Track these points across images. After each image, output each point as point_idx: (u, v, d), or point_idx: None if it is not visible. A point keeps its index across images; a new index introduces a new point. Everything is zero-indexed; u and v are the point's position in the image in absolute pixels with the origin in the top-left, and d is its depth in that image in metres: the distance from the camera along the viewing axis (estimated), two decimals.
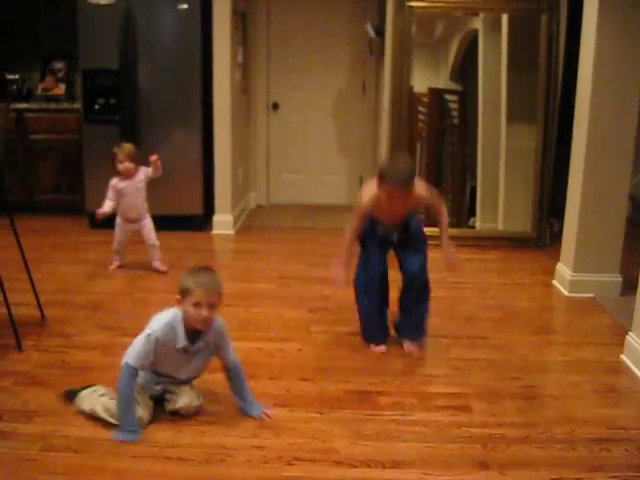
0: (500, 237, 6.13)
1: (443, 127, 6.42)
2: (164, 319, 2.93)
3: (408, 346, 3.80)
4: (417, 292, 3.86)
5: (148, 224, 5.06)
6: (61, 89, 6.90)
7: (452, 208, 6.40)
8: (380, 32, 6.40)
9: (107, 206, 4.97)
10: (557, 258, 5.13)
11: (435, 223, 6.21)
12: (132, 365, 2.87)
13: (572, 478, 2.67)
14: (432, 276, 5.36)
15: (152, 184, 5.08)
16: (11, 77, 6.90)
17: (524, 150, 6.10)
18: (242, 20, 6.73)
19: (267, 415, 3.06)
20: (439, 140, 6.38)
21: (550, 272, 5.19)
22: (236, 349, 3.54)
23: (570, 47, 5.83)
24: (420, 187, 3.57)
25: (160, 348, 2.90)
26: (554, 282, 5.10)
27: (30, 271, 4.03)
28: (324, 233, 6.56)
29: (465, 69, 6.23)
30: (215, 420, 2.98)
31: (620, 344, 3.86)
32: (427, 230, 5.88)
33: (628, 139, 4.66)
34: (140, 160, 4.98)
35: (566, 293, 4.87)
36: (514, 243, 6.08)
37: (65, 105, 6.69)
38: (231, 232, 6.42)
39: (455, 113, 6.40)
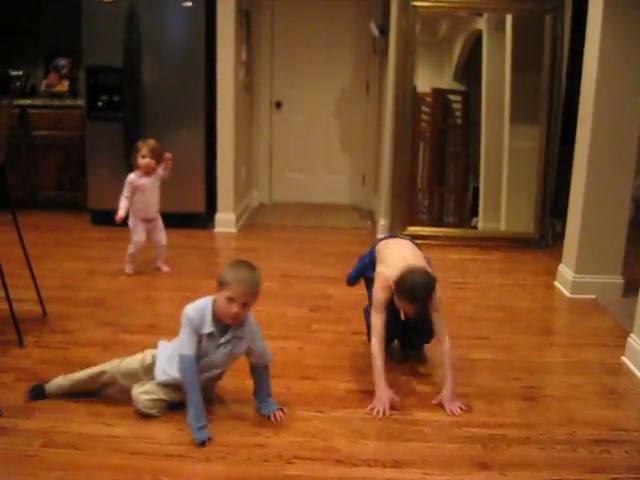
0: (502, 238, 6.13)
1: (446, 127, 6.41)
2: (197, 304, 2.95)
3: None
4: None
5: (160, 224, 5.04)
6: (64, 86, 6.90)
7: (454, 208, 6.41)
8: (384, 31, 6.40)
9: (123, 208, 4.82)
10: (559, 259, 5.13)
11: (436, 222, 6.28)
12: (187, 354, 2.88)
13: (572, 479, 2.67)
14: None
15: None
16: (15, 73, 6.89)
17: (527, 151, 6.09)
18: (246, 18, 6.73)
19: (275, 416, 3.05)
20: (442, 140, 6.37)
21: (552, 273, 5.19)
22: None
23: (574, 48, 5.82)
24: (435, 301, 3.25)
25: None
26: (556, 283, 5.09)
27: (32, 267, 4.03)
28: (326, 232, 6.56)
29: (469, 69, 6.22)
30: (216, 418, 2.98)
31: (621, 346, 3.86)
32: (428, 230, 5.88)
33: (631, 140, 4.65)
34: (162, 157, 4.90)
35: (568, 294, 4.87)
36: (516, 244, 6.08)
37: (68, 102, 6.69)
38: (233, 230, 6.42)
39: (458, 113, 6.39)
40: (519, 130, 6.09)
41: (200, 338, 2.92)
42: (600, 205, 4.71)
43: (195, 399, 2.85)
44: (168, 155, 4.90)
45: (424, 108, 6.27)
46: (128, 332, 3.97)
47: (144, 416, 3.00)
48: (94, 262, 5.29)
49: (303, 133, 7.58)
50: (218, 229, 6.39)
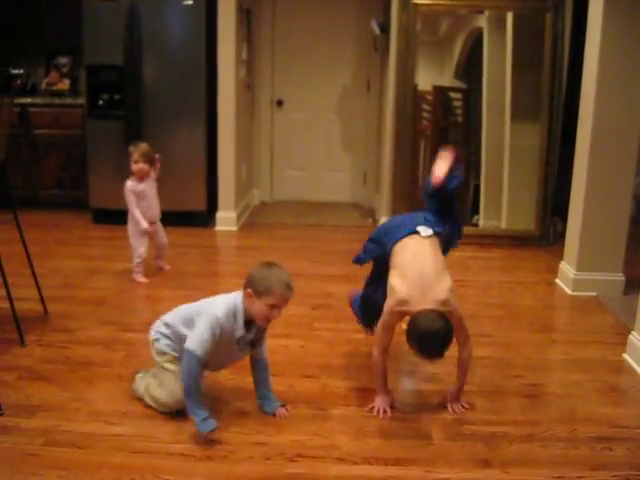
0: (503, 235, 6.13)
1: (447, 125, 6.42)
2: (227, 304, 2.90)
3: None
4: None
5: (161, 228, 5.00)
6: (65, 84, 6.90)
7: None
8: (385, 29, 6.39)
9: (141, 218, 4.73)
10: (560, 257, 5.13)
11: None
12: (199, 355, 2.83)
13: (574, 477, 2.68)
14: None
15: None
16: (15, 72, 6.90)
17: (528, 148, 6.09)
18: (247, 16, 6.73)
19: (279, 413, 3.05)
20: (443, 138, 6.37)
21: (553, 271, 5.19)
22: None
23: (575, 45, 5.82)
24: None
25: (221, 335, 2.89)
26: (557, 281, 5.09)
27: (33, 266, 4.03)
28: (328, 230, 6.56)
29: (470, 67, 6.22)
30: (217, 416, 2.98)
31: (623, 343, 3.86)
32: None
33: (632, 138, 4.65)
34: (155, 160, 4.85)
35: (569, 292, 4.87)
36: (517, 241, 6.08)
37: (69, 100, 6.69)
38: (234, 229, 6.42)
39: (459, 111, 6.40)
40: (520, 128, 6.09)
41: (225, 340, 2.90)
42: (601, 203, 4.71)
43: (196, 397, 2.84)
44: (157, 156, 4.86)
45: (425, 106, 6.27)
46: (129, 331, 3.97)
47: (146, 414, 3.01)
48: (95, 261, 5.30)
49: (304, 131, 7.58)
50: (219, 227, 6.39)
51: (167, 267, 5.08)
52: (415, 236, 3.15)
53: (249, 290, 2.87)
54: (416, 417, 3.11)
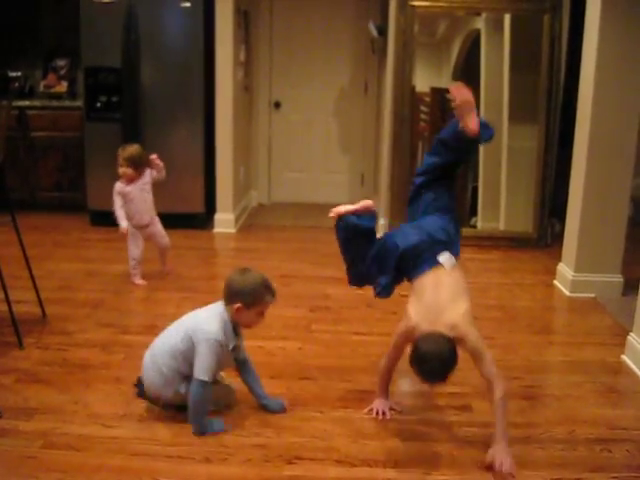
0: (501, 237, 6.13)
1: (445, 127, 6.40)
2: (217, 321, 2.91)
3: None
4: None
5: (159, 229, 4.93)
6: (63, 86, 6.90)
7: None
8: (382, 31, 6.40)
9: (122, 218, 4.72)
10: (558, 258, 5.13)
11: None
12: (209, 381, 2.87)
13: (572, 478, 2.68)
14: None
15: (154, 182, 4.95)
16: (13, 74, 6.89)
17: (526, 150, 6.09)
18: (245, 18, 6.73)
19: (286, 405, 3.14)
20: None
21: (551, 272, 5.19)
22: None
23: (572, 47, 5.82)
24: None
25: (222, 352, 2.92)
26: (555, 282, 5.09)
27: (31, 268, 4.03)
28: (325, 232, 6.48)
29: (467, 69, 6.22)
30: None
31: (621, 344, 3.86)
32: None
33: (630, 140, 4.65)
34: (144, 163, 4.79)
35: (567, 293, 4.87)
36: (515, 243, 6.08)
37: (67, 102, 6.69)
38: (232, 230, 6.42)
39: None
40: (518, 129, 6.09)
41: (224, 354, 2.94)
42: (599, 204, 4.71)
43: (203, 421, 2.89)
44: (152, 156, 4.81)
45: (423, 108, 6.27)
46: (127, 333, 3.97)
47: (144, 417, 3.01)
48: (93, 263, 5.29)
49: (302, 133, 7.57)
50: (217, 229, 6.39)
51: (167, 270, 5.04)
52: (438, 269, 2.98)
53: (238, 305, 2.89)
54: (415, 419, 3.11)
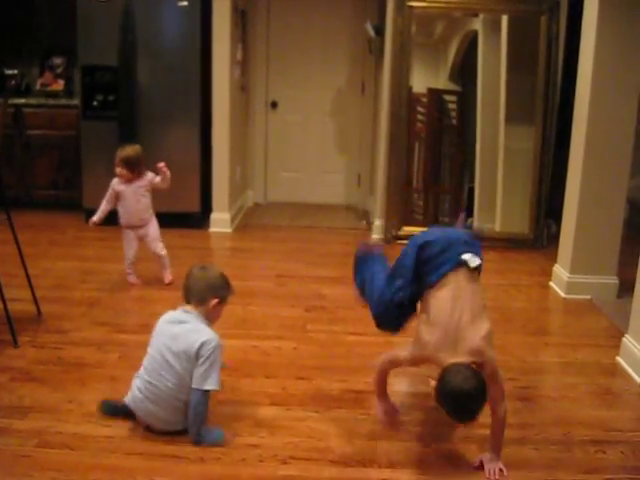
0: (497, 238, 6.13)
1: (442, 127, 6.42)
2: (204, 326, 2.87)
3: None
4: None
5: (152, 233, 4.80)
6: (60, 85, 6.89)
7: (450, 208, 6.41)
8: (380, 32, 6.39)
9: (99, 211, 4.73)
10: (554, 259, 5.13)
11: (431, 222, 6.28)
12: (216, 388, 2.84)
13: (567, 479, 2.68)
14: None
15: (155, 188, 4.83)
16: (10, 72, 6.88)
17: (522, 151, 6.10)
18: (242, 18, 6.72)
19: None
20: (437, 140, 6.37)
21: (547, 273, 5.19)
22: (232, 347, 3.56)
23: (570, 48, 5.83)
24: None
25: None
26: (551, 283, 5.10)
27: (27, 267, 4.02)
28: (321, 232, 6.56)
29: (464, 70, 6.22)
30: (210, 418, 2.97)
31: (616, 346, 3.87)
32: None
33: (626, 141, 4.66)
34: (142, 165, 4.71)
35: (563, 295, 4.88)
36: (511, 244, 6.08)
37: (63, 101, 6.68)
38: (228, 230, 6.41)
39: (454, 113, 6.40)
40: (514, 131, 6.09)
41: None
42: (595, 206, 4.72)
43: (202, 430, 2.85)
44: (160, 164, 4.70)
45: (419, 108, 6.27)
46: (123, 332, 3.96)
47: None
48: (89, 261, 5.29)
49: (298, 133, 7.57)
50: (213, 229, 6.39)
51: (168, 279, 4.84)
52: (459, 271, 2.74)
53: (215, 300, 2.89)
54: (409, 419, 3.11)
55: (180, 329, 2.85)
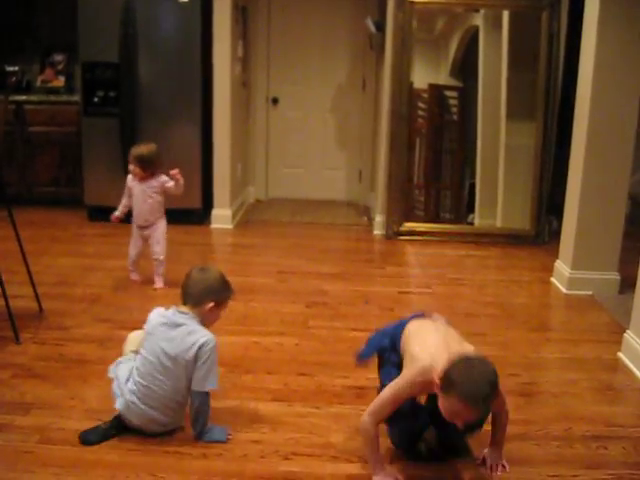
0: (499, 234, 6.14)
1: (443, 123, 6.41)
2: (200, 326, 2.83)
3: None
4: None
5: (156, 236, 4.70)
6: (60, 81, 6.89)
7: (451, 204, 6.41)
8: (380, 27, 6.39)
9: (119, 208, 4.71)
10: (556, 255, 5.13)
11: (432, 218, 6.28)
12: (215, 388, 2.82)
13: (569, 475, 2.68)
14: (431, 271, 5.37)
15: (168, 193, 4.74)
16: (11, 69, 6.88)
17: (523, 147, 6.10)
18: (242, 14, 6.72)
19: None
20: (438, 136, 6.37)
21: (548, 269, 5.19)
22: (234, 343, 3.56)
23: (571, 44, 5.82)
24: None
25: None
26: (552, 279, 5.10)
27: (28, 263, 4.03)
28: (323, 228, 6.56)
29: (465, 65, 6.22)
30: (212, 415, 2.97)
31: (618, 342, 3.87)
32: (425, 226, 5.90)
33: (628, 136, 4.65)
34: (157, 165, 4.63)
35: (564, 290, 4.88)
36: (513, 240, 6.08)
37: (64, 97, 6.68)
38: (230, 226, 6.41)
39: (455, 109, 6.40)
40: (515, 126, 6.09)
41: None
42: (596, 201, 4.72)
43: (205, 428, 2.85)
44: (174, 171, 4.62)
45: (420, 104, 6.26)
46: (124, 328, 3.93)
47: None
48: (90, 258, 5.29)
49: (299, 129, 7.57)
50: (214, 225, 6.39)
51: (158, 285, 4.72)
52: (427, 318, 2.83)
53: (211, 304, 2.81)
54: None
55: (176, 332, 2.81)
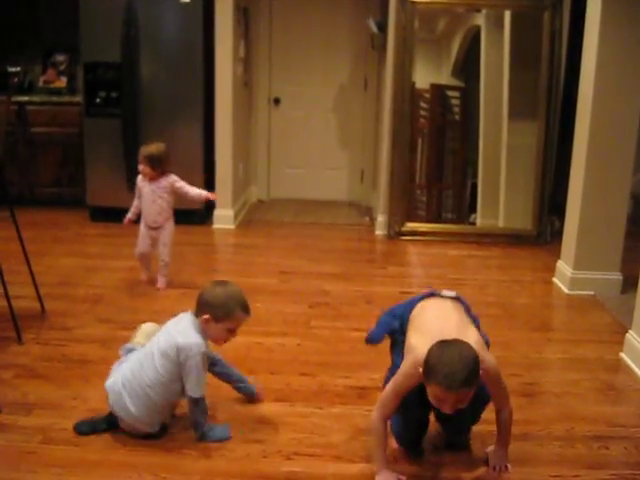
0: (501, 234, 6.13)
1: (444, 123, 6.41)
2: (193, 332, 2.79)
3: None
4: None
5: (164, 237, 4.68)
6: (62, 82, 6.89)
7: (453, 204, 6.41)
8: (382, 27, 6.39)
9: (131, 210, 4.66)
10: (557, 255, 5.13)
11: (434, 218, 6.28)
12: (202, 396, 2.79)
13: (570, 475, 2.68)
14: (433, 271, 5.37)
15: (178, 195, 4.75)
16: (13, 69, 6.87)
17: (525, 147, 6.10)
18: (244, 14, 6.72)
19: (261, 392, 3.14)
20: (440, 136, 6.37)
21: (550, 269, 5.19)
22: (236, 343, 3.55)
23: (573, 44, 5.82)
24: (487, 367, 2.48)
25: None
26: (554, 279, 5.10)
27: (30, 264, 4.03)
28: (325, 228, 6.56)
29: (467, 65, 6.22)
30: (214, 414, 2.98)
31: (620, 342, 3.86)
32: (427, 226, 5.91)
33: (630, 136, 4.65)
34: (167, 164, 4.62)
35: (566, 290, 4.87)
36: (515, 240, 6.08)
37: (66, 98, 6.68)
38: (232, 226, 6.42)
39: (457, 109, 6.39)
40: (517, 126, 6.09)
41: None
42: (599, 201, 4.71)
43: (205, 429, 2.83)
44: (212, 196, 4.85)
45: (422, 104, 6.26)
46: (127, 329, 3.94)
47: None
48: (92, 259, 5.29)
49: (301, 129, 7.57)
50: (216, 225, 6.39)
51: (160, 285, 4.72)
52: (436, 298, 2.80)
53: (207, 316, 2.77)
54: None
55: (173, 327, 2.84)
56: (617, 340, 3.92)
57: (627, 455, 2.83)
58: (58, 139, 6.60)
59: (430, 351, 2.37)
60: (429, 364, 2.34)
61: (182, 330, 2.80)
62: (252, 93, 7.39)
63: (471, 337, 2.52)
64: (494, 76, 6.05)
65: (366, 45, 7.21)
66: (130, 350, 2.99)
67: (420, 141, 6.29)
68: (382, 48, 6.48)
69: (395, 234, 6.17)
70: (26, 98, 6.60)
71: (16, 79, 6.86)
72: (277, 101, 7.53)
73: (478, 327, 2.74)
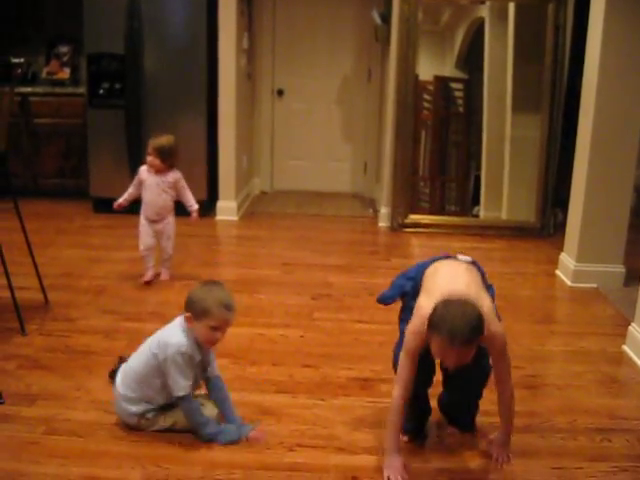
0: (504, 226, 6.13)
1: (448, 115, 6.41)
2: (178, 332, 2.77)
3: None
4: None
5: (167, 231, 4.65)
6: (66, 73, 6.88)
7: (456, 197, 6.41)
8: (386, 19, 6.37)
9: (124, 196, 4.58)
10: (561, 248, 5.13)
11: (437, 210, 6.28)
12: (187, 394, 2.74)
13: (573, 467, 2.69)
14: None
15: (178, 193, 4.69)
16: (16, 61, 6.88)
17: (529, 139, 6.09)
18: (248, 6, 6.71)
19: (254, 437, 2.82)
20: (444, 128, 6.37)
21: (553, 262, 5.19)
22: (239, 335, 3.56)
23: (577, 36, 5.81)
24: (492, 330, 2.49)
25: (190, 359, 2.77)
26: (557, 272, 5.09)
27: (34, 255, 4.03)
28: (328, 220, 6.56)
29: (471, 57, 6.21)
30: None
31: (622, 335, 3.86)
32: (430, 218, 5.90)
33: (634, 129, 4.64)
34: (175, 157, 4.56)
35: (569, 283, 4.87)
36: (518, 232, 6.08)
37: (70, 89, 6.68)
38: (235, 218, 6.42)
39: (460, 101, 6.39)
40: (521, 119, 6.08)
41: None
42: (602, 194, 4.71)
43: (208, 430, 2.78)
44: (195, 212, 4.72)
45: (426, 96, 6.26)
46: (130, 320, 3.98)
47: None
48: (96, 250, 5.30)
49: (305, 121, 7.56)
50: (220, 217, 6.39)
51: (164, 277, 4.73)
52: (450, 260, 2.77)
53: (188, 314, 2.75)
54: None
55: (167, 326, 2.86)
56: (620, 333, 3.92)
57: (629, 447, 2.84)
58: (61, 130, 6.59)
59: (435, 307, 2.40)
60: (434, 319, 2.37)
61: (168, 329, 2.83)
62: (255, 85, 7.38)
63: (484, 302, 2.50)
64: (498, 68, 6.04)
65: (370, 37, 7.20)
66: None
67: (423, 133, 6.28)
68: (386, 40, 6.47)
69: (398, 226, 6.17)
70: (29, 89, 6.60)
71: (19, 70, 6.87)
72: (280, 93, 7.52)
73: (493, 297, 2.70)
